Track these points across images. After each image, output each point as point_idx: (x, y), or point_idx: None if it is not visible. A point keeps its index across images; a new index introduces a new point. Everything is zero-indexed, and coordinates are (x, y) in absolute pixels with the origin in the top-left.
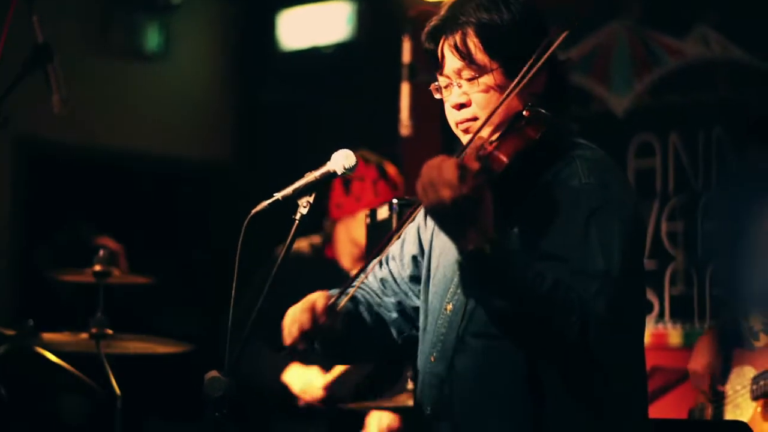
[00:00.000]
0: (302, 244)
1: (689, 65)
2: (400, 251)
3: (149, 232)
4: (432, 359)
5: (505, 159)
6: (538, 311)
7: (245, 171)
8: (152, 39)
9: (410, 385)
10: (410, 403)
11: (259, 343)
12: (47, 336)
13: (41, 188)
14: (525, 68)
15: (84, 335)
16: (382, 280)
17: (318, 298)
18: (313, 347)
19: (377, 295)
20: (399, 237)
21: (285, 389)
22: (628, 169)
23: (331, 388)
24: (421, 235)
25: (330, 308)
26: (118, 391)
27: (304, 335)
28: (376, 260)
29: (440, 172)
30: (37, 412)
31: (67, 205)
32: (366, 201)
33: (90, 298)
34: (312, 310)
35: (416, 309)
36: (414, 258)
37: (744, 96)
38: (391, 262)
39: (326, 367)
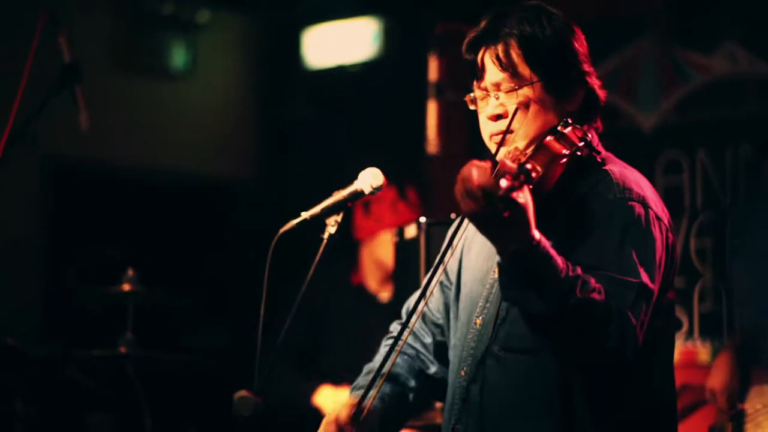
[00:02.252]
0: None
1: (716, 82)
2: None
3: (174, 250)
4: (462, 373)
5: (540, 168)
6: (576, 315)
7: (271, 189)
8: (178, 58)
9: (438, 404)
10: (438, 421)
11: (288, 369)
12: (76, 355)
13: (67, 206)
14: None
15: (113, 353)
16: (423, 316)
17: (342, 410)
18: None
19: (420, 338)
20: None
21: (316, 412)
22: (656, 186)
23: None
24: (459, 251)
25: (354, 418)
26: (147, 409)
27: None
28: (401, 341)
29: (476, 177)
30: (66, 430)
31: (93, 223)
32: (386, 222)
33: (118, 317)
34: (336, 423)
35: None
36: (441, 284)
37: None
38: (431, 298)
39: None
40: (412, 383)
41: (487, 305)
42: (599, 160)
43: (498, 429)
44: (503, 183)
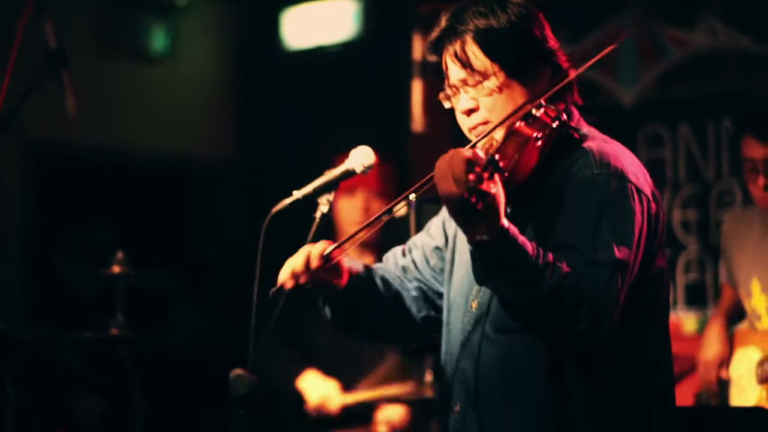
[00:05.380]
0: None
1: (697, 56)
2: (424, 241)
3: (157, 232)
4: (459, 356)
5: (512, 154)
6: (548, 301)
7: (252, 170)
8: (159, 41)
9: (428, 377)
10: (428, 394)
11: (280, 347)
12: (66, 337)
13: (50, 189)
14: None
15: (104, 336)
16: (404, 268)
17: (317, 244)
18: (306, 293)
19: (398, 278)
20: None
21: (298, 394)
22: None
23: (346, 409)
24: (447, 228)
25: (325, 255)
26: (137, 390)
27: (294, 276)
28: (380, 214)
29: (450, 166)
30: (55, 413)
31: (76, 206)
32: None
33: (108, 299)
34: (307, 254)
35: (438, 294)
36: (438, 249)
37: (752, 85)
38: (414, 251)
39: (345, 381)
40: (389, 288)
41: (482, 288)
42: (578, 137)
43: (493, 410)
44: (472, 175)
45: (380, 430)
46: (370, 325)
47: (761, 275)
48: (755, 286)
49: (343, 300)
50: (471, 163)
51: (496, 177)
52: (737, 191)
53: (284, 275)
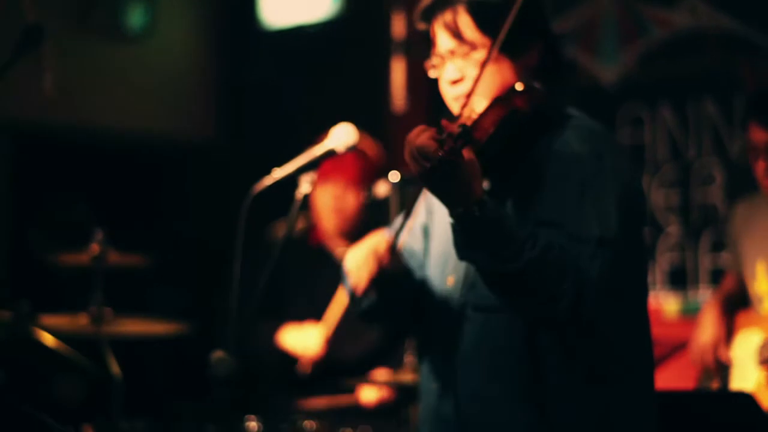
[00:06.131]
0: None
1: (677, 35)
2: (415, 222)
3: (135, 212)
4: (437, 335)
5: (488, 126)
6: (529, 274)
7: (230, 150)
8: (136, 19)
9: (408, 359)
10: (407, 377)
11: (258, 321)
12: (44, 318)
13: (27, 169)
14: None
15: (82, 317)
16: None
17: (379, 242)
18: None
19: None
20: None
21: (283, 355)
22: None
23: (330, 343)
24: (428, 205)
25: (393, 249)
26: (116, 372)
27: (374, 281)
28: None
29: (418, 141)
30: (34, 395)
31: (54, 186)
32: (323, 170)
33: (86, 280)
34: (376, 254)
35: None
36: (425, 228)
37: (733, 65)
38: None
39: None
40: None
41: (457, 264)
42: (560, 115)
43: (470, 388)
44: (443, 144)
45: (367, 397)
46: (397, 309)
47: (767, 259)
48: (760, 270)
49: (395, 284)
50: (440, 136)
51: (468, 147)
52: (717, 172)
53: (364, 283)
